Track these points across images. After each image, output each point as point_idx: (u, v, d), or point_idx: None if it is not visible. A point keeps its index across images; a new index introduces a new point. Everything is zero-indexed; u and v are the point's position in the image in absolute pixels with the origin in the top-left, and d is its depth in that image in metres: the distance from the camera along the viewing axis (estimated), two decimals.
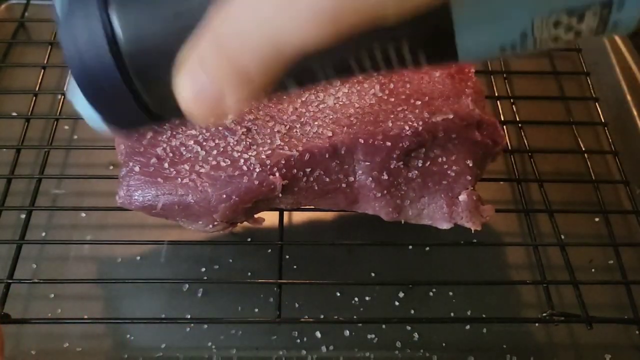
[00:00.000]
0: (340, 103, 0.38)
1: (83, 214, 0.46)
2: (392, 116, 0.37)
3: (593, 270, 0.46)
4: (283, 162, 0.36)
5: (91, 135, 0.50)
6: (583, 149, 0.48)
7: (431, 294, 0.44)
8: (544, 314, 0.39)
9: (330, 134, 0.36)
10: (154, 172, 0.36)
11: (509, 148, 0.47)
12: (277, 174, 0.35)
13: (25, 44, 0.57)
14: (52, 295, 0.43)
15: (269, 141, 0.37)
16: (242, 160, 0.36)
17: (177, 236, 0.46)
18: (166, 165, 0.36)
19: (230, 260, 0.45)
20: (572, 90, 0.55)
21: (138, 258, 0.44)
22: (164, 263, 0.44)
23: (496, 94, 0.52)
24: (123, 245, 0.45)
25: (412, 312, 0.43)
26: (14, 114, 0.51)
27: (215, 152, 0.36)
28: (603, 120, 0.51)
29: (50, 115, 0.50)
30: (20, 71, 0.55)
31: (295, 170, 0.36)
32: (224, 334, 0.42)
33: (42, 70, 0.51)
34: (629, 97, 0.54)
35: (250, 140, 0.37)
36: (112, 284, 0.43)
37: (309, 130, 0.37)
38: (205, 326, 0.42)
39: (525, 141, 0.48)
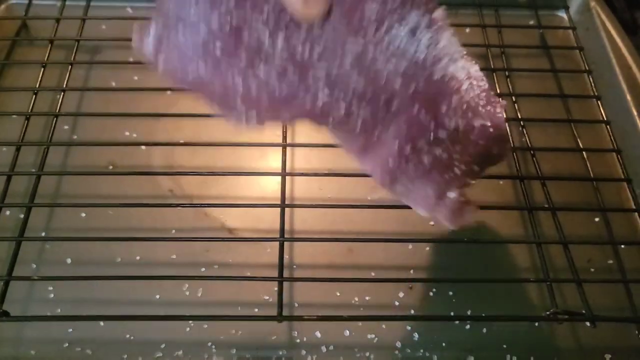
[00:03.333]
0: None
1: (83, 214, 0.46)
2: None
3: (592, 270, 0.45)
4: (350, 94, 0.28)
5: (91, 135, 0.51)
6: (585, 147, 0.48)
7: (431, 293, 0.44)
8: (548, 312, 0.39)
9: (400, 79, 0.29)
10: (197, 48, 0.27)
11: (512, 146, 0.47)
12: (341, 106, 0.29)
13: (28, 43, 0.57)
14: (52, 296, 0.42)
15: (338, 62, 0.28)
16: (311, 78, 0.28)
17: (176, 235, 0.45)
18: (218, 44, 0.27)
19: (230, 260, 0.45)
20: (574, 88, 0.55)
21: (138, 258, 0.44)
22: (163, 262, 0.44)
23: (498, 92, 0.52)
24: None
25: (412, 312, 0.43)
26: (14, 111, 0.51)
27: (284, 52, 0.28)
28: (605, 118, 0.50)
29: (50, 112, 0.50)
30: (21, 70, 0.55)
31: (354, 107, 0.29)
32: (224, 334, 0.41)
33: (42, 69, 0.51)
34: (628, 97, 0.53)
35: (320, 49, 0.28)
36: (112, 284, 0.43)
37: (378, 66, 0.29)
38: (205, 325, 0.42)
39: (528, 139, 0.48)
